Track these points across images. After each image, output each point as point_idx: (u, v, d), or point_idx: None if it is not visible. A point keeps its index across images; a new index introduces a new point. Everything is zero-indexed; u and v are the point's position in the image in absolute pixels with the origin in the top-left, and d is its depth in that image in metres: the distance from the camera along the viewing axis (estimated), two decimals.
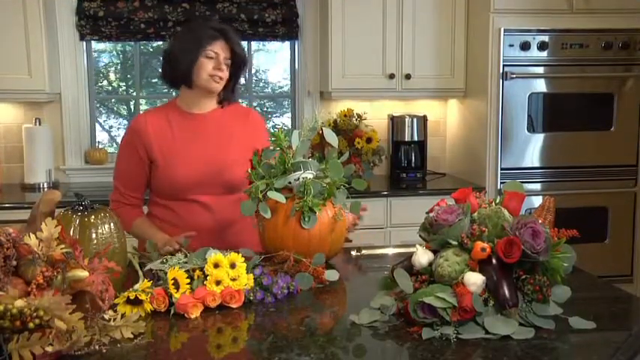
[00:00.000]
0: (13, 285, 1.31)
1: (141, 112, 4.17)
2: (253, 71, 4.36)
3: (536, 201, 3.64)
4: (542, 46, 3.64)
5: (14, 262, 1.34)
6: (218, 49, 2.22)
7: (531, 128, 3.72)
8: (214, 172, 2.24)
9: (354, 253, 2.27)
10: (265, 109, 4.41)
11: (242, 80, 2.45)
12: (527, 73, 3.67)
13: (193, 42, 2.22)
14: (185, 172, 2.22)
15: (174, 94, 2.48)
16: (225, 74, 2.24)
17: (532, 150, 3.73)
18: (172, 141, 2.26)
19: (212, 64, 2.22)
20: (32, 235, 1.37)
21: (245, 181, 2.03)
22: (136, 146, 2.25)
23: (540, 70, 3.69)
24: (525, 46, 3.62)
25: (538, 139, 3.74)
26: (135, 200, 2.31)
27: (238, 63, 2.28)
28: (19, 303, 1.23)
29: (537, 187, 3.75)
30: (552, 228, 1.60)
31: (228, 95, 2.34)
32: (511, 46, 3.62)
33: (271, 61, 4.41)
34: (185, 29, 2.33)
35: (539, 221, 1.55)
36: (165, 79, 2.32)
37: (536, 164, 3.75)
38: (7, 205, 3.36)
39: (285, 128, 2.07)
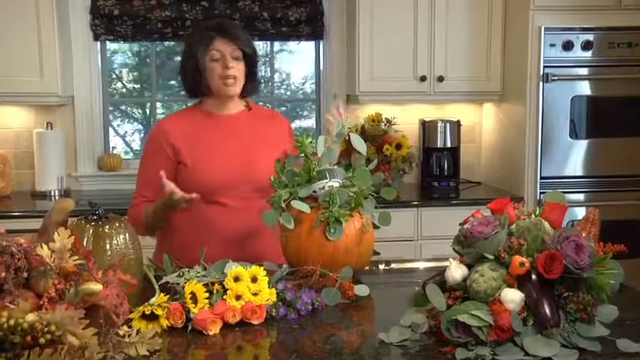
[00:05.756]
0: (24, 298, 1.32)
1: (157, 115, 4.25)
2: (276, 73, 4.39)
3: (580, 213, 3.60)
4: (586, 46, 3.61)
5: (25, 274, 1.35)
6: (220, 47, 2.25)
7: (574, 134, 3.68)
8: (242, 173, 2.27)
9: (382, 266, 2.27)
10: (288, 113, 4.42)
11: (260, 74, 2.47)
12: (569, 75, 3.64)
13: (194, 49, 2.28)
14: (214, 173, 2.25)
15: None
16: (235, 71, 2.26)
17: (575, 158, 3.70)
18: (199, 141, 2.30)
19: (219, 66, 2.25)
20: (44, 246, 1.39)
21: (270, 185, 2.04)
22: (162, 147, 2.29)
23: (584, 71, 3.66)
24: (568, 46, 3.59)
25: (581, 146, 3.70)
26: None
27: (247, 54, 2.29)
28: (31, 317, 1.24)
29: (581, 197, 3.71)
30: (597, 242, 1.58)
31: (246, 91, 2.36)
32: (552, 45, 3.60)
33: (295, 62, 4.43)
34: (185, 41, 2.40)
35: (583, 235, 1.54)
36: (187, 92, 2.39)
37: (580, 173, 3.71)
38: (17, 213, 3.41)
39: (310, 134, 2.08)
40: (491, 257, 1.55)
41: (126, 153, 4.31)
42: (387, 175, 3.79)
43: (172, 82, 4.32)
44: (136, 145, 4.39)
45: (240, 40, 2.28)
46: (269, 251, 2.18)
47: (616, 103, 3.70)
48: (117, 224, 1.74)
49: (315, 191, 1.98)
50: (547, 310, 1.46)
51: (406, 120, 4.13)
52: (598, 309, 1.51)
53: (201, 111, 2.36)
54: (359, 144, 2.11)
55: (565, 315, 1.49)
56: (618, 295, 1.58)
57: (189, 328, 1.62)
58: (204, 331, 1.60)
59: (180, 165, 2.29)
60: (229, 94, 2.29)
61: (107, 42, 4.07)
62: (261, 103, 2.52)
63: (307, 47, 4.33)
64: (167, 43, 4.23)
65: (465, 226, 1.64)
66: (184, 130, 2.31)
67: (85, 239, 1.68)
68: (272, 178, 2.01)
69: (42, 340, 1.23)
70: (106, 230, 1.71)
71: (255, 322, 1.67)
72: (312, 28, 4.10)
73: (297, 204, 1.93)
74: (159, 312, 1.58)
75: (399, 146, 3.94)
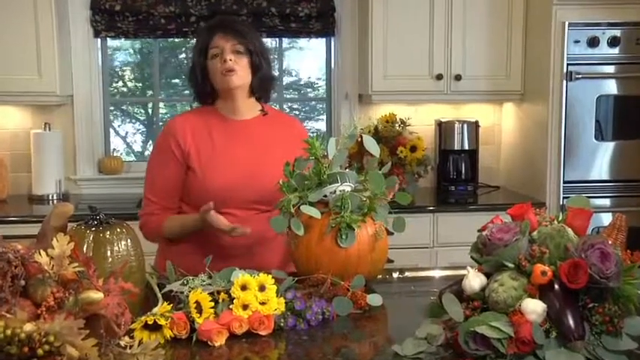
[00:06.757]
0: (21, 307, 1.33)
1: (160, 115, 4.27)
2: (284, 71, 4.40)
3: (605, 218, 3.58)
4: (612, 42, 3.60)
5: (23, 282, 1.36)
6: (218, 43, 2.27)
7: (599, 136, 3.67)
8: (250, 181, 2.26)
9: (396, 275, 2.27)
10: (298, 113, 4.43)
11: (274, 72, 2.46)
12: (595, 73, 3.63)
13: (196, 51, 2.33)
14: (223, 182, 2.25)
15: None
16: (235, 64, 2.25)
17: (600, 160, 3.69)
18: (211, 145, 2.30)
19: (219, 61, 2.26)
20: (43, 253, 1.40)
21: (281, 197, 2.03)
22: (172, 148, 2.30)
23: (610, 69, 3.65)
24: (593, 42, 3.58)
25: (607, 148, 3.69)
26: (170, 210, 2.34)
27: (250, 49, 2.28)
28: (28, 327, 1.25)
29: (606, 202, 3.70)
30: (624, 250, 1.58)
31: (254, 88, 2.34)
32: (577, 42, 3.59)
33: (304, 60, 4.44)
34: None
35: (609, 242, 1.53)
36: (197, 97, 2.41)
37: (605, 177, 3.70)
38: (13, 218, 3.43)
39: (321, 135, 2.08)
40: (512, 266, 1.55)
41: (127, 155, 4.33)
42: (401, 179, 3.79)
43: (176, 80, 4.34)
44: (138, 147, 4.41)
45: (240, 35, 2.28)
46: (277, 263, 2.18)
47: None
48: (118, 230, 1.74)
49: (325, 195, 1.99)
50: (571, 322, 1.45)
51: (421, 121, 4.13)
52: (625, 321, 1.50)
53: (215, 113, 2.36)
54: (372, 146, 2.11)
55: (590, 327, 1.48)
56: None
57: (194, 338, 1.62)
58: (209, 342, 1.61)
59: (190, 171, 2.29)
60: (230, 86, 2.28)
61: (108, 39, 4.10)
62: (269, 103, 2.50)
63: (318, 44, 4.34)
64: (171, 40, 4.24)
65: (484, 233, 1.63)
66: (194, 131, 2.31)
67: (85, 245, 1.68)
68: (281, 182, 2.01)
69: (40, 351, 1.23)
70: (107, 236, 1.71)
71: (262, 333, 1.67)
72: (322, 24, 4.11)
73: (306, 209, 1.93)
74: (162, 322, 1.59)
75: (413, 148, 3.93)
